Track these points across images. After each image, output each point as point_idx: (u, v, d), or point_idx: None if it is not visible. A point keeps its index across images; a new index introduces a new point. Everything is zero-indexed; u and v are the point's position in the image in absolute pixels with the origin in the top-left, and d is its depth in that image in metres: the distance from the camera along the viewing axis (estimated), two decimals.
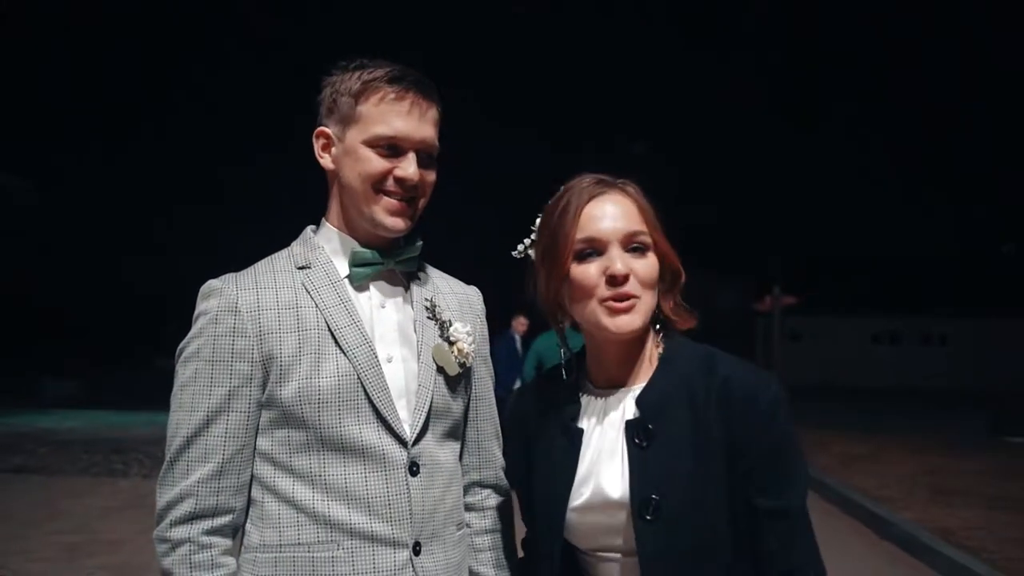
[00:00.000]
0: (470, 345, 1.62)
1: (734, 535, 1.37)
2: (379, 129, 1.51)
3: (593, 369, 1.53)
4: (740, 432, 1.36)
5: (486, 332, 1.76)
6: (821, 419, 14.33)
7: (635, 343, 1.47)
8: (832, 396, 22.27)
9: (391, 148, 1.52)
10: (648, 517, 1.35)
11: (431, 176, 1.58)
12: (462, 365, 1.60)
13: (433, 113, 1.57)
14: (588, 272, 1.42)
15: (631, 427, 1.40)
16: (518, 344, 9.37)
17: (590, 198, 1.44)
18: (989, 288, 31.82)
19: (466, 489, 1.68)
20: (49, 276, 25.42)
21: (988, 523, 6.88)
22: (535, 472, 1.53)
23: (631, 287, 1.40)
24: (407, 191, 1.53)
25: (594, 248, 1.42)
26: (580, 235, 1.42)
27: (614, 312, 1.40)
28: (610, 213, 1.43)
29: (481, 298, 1.77)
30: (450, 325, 1.62)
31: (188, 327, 1.52)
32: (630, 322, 1.40)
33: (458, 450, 1.66)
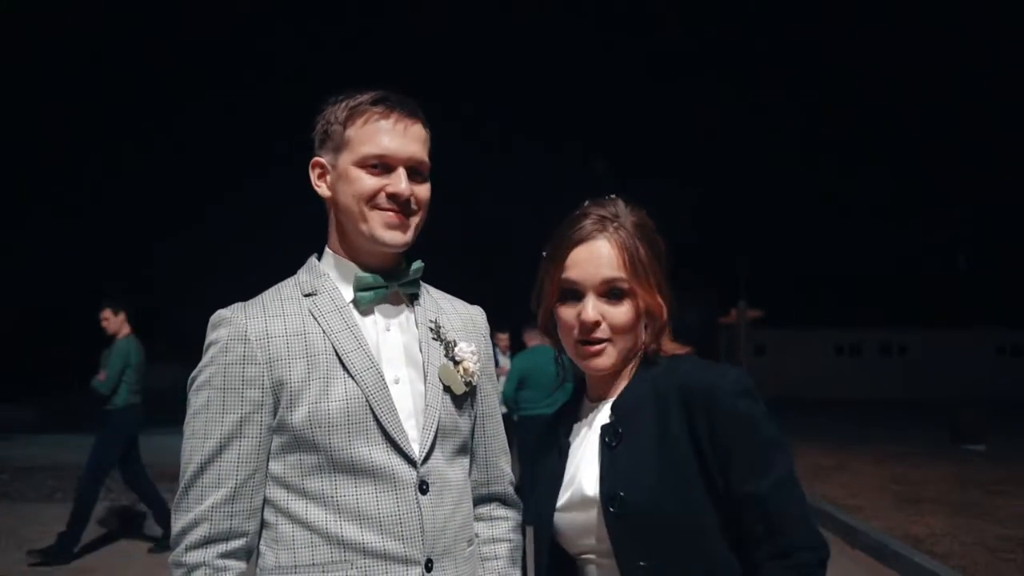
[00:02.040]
0: (475, 364, 1.66)
1: (716, 528, 1.41)
2: (367, 148, 1.56)
3: (589, 385, 1.63)
4: (702, 425, 1.41)
5: (491, 350, 1.81)
6: (786, 431, 14.44)
7: (620, 367, 1.56)
8: (796, 408, 22.55)
9: (381, 166, 1.56)
10: (612, 510, 1.41)
11: (424, 191, 1.62)
12: (468, 384, 1.64)
13: (418, 130, 1.61)
14: (566, 315, 1.54)
15: (604, 430, 1.49)
16: (499, 360, 9.33)
17: (577, 242, 1.52)
18: (947, 301, 32.57)
19: (476, 502, 1.73)
20: (6, 303, 24.92)
21: (954, 529, 7.04)
22: (538, 484, 1.61)
23: (602, 332, 1.50)
24: (401, 206, 1.57)
25: (574, 291, 1.52)
26: (562, 278, 1.53)
27: (586, 355, 1.52)
28: (590, 259, 1.50)
29: (484, 317, 1.82)
30: (455, 345, 1.66)
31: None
32: (600, 363, 1.52)
33: (467, 467, 1.69)
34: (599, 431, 1.49)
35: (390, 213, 1.56)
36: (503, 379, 8.68)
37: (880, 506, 8.11)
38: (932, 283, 33.67)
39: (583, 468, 1.50)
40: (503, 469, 1.78)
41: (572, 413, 1.63)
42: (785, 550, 1.36)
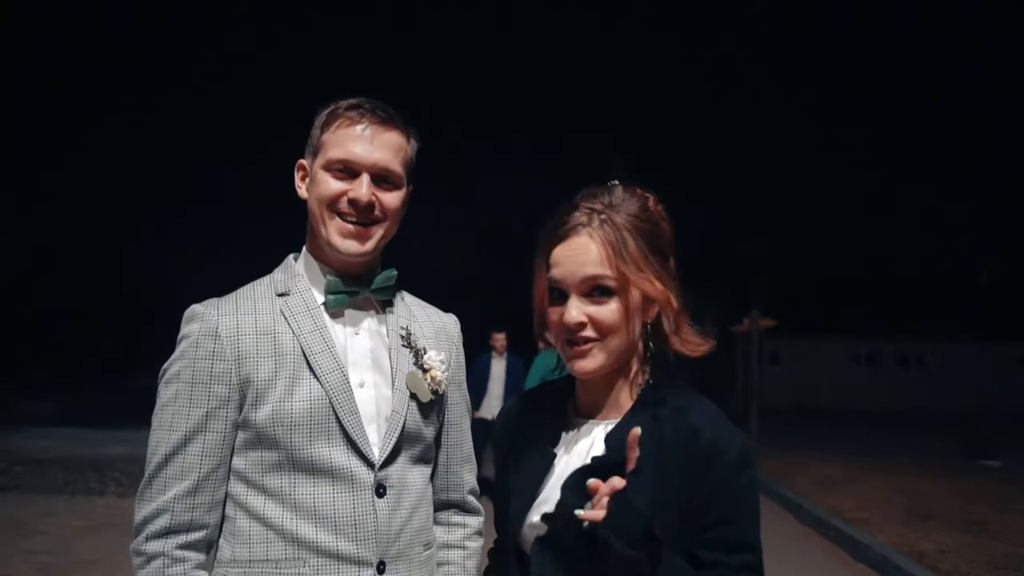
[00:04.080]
0: (443, 373, 1.67)
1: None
2: (333, 153, 1.59)
3: (579, 394, 1.55)
4: (698, 484, 1.36)
5: (462, 359, 1.82)
6: (798, 441, 14.42)
7: (613, 376, 1.49)
8: (810, 418, 22.40)
9: (346, 171, 1.59)
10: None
11: (391, 199, 1.62)
12: (435, 392, 1.66)
13: (390, 138, 1.61)
14: (553, 316, 1.46)
15: (595, 462, 1.40)
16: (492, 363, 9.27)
17: (560, 239, 1.44)
18: (968, 313, 32.22)
19: (435, 508, 1.75)
20: (25, 294, 25.18)
21: (961, 546, 6.96)
22: (510, 487, 1.55)
23: (588, 333, 1.42)
24: (360, 213, 1.58)
25: (560, 291, 1.44)
26: (548, 276, 1.46)
27: (572, 356, 1.44)
28: (572, 257, 1.42)
29: (458, 326, 1.83)
30: (424, 353, 1.67)
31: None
32: (586, 366, 1.43)
33: (428, 473, 1.71)
34: (590, 461, 1.39)
35: (348, 222, 1.58)
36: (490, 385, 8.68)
37: (888, 520, 8.04)
38: (953, 294, 33.31)
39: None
40: (464, 477, 1.79)
41: (556, 414, 1.55)
42: None
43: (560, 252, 1.43)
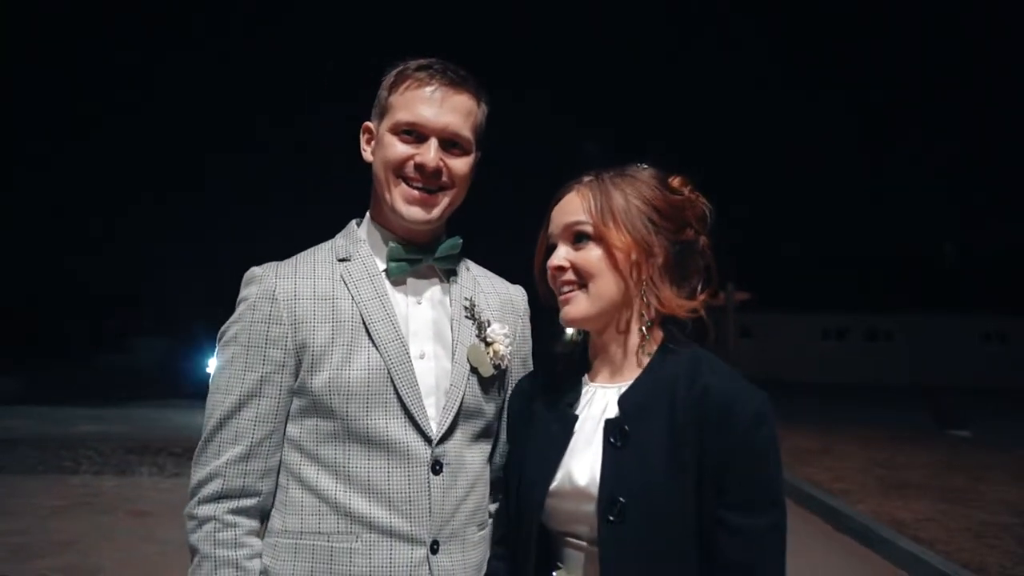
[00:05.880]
0: (507, 347, 1.61)
1: (701, 544, 1.36)
2: (401, 115, 1.54)
3: (591, 360, 1.56)
4: (714, 444, 1.35)
5: (528, 332, 1.76)
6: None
7: (618, 337, 1.49)
8: (783, 391, 22.63)
9: (413, 134, 1.54)
10: (612, 518, 1.35)
11: (460, 165, 1.57)
12: (497, 367, 1.60)
13: (461, 101, 1.56)
14: (546, 267, 1.53)
15: (609, 425, 1.42)
16: None
17: (555, 201, 1.53)
18: (934, 287, 32.79)
19: (493, 483, 1.68)
20: None
21: (939, 515, 7.08)
22: (527, 455, 1.53)
23: (569, 277, 1.48)
24: (427, 179, 1.53)
25: (552, 245, 1.52)
26: (544, 237, 1.54)
27: (561, 304, 1.50)
28: (560, 211, 1.52)
29: (525, 298, 1.77)
30: (488, 325, 1.62)
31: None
32: (570, 311, 1.48)
33: (488, 451, 1.64)
34: (602, 425, 1.42)
35: (414, 187, 1.54)
36: None
37: (866, 490, 8.15)
38: (919, 269, 33.85)
39: (576, 456, 1.44)
40: None
41: (572, 382, 1.55)
42: None
43: (553, 210, 1.54)
